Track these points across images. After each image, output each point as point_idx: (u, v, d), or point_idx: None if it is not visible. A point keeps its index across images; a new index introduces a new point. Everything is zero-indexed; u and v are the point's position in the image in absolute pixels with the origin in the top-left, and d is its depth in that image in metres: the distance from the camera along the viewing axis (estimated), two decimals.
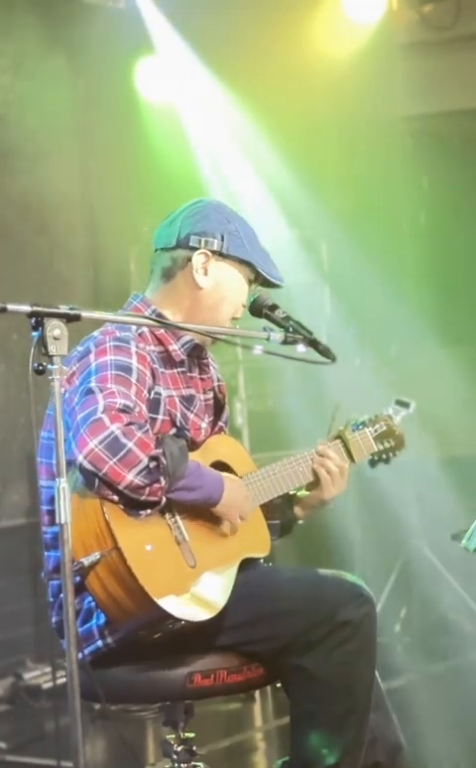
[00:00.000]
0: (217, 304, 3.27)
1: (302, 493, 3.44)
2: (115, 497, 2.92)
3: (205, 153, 6.55)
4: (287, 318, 3.27)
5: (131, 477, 2.89)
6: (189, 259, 3.26)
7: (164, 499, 2.97)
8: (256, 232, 3.34)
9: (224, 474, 3.18)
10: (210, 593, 3.06)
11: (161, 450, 2.92)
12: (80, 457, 2.89)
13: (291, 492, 3.41)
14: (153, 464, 2.91)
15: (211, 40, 6.34)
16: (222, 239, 3.25)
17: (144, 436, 2.92)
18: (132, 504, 2.95)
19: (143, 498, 2.93)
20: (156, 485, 2.92)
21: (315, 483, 3.41)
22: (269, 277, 3.30)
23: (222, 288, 3.27)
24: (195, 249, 3.25)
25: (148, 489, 2.92)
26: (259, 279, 3.31)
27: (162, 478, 2.93)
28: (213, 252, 3.25)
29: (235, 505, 3.13)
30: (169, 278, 3.29)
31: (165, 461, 2.92)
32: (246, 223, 3.33)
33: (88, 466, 2.89)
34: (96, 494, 2.92)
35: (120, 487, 2.89)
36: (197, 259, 3.25)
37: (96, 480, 2.90)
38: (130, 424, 2.92)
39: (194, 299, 3.27)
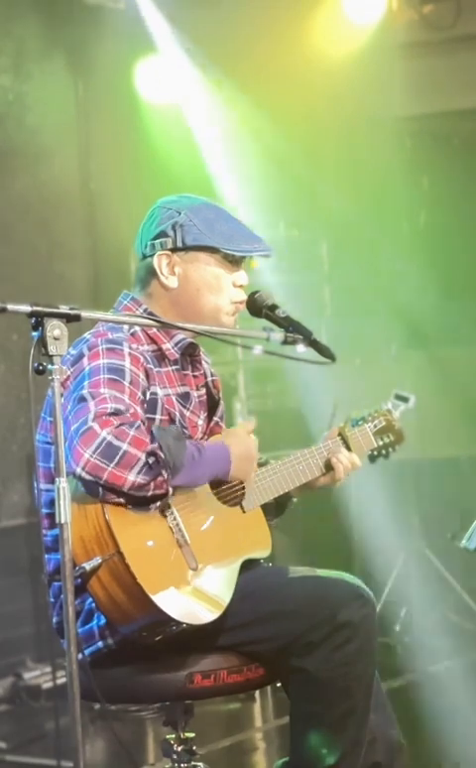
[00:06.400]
0: (194, 297, 3.26)
1: None
2: (121, 500, 2.92)
3: (205, 153, 6.55)
4: (287, 317, 3.26)
5: (132, 478, 2.89)
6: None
7: (171, 490, 2.97)
8: (223, 209, 3.30)
9: (227, 432, 3.23)
10: (212, 595, 3.06)
11: (157, 444, 2.92)
12: (78, 470, 2.88)
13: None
14: (152, 460, 2.90)
15: (211, 39, 6.34)
16: (175, 234, 3.23)
17: (137, 433, 2.91)
18: (139, 502, 2.94)
19: (149, 494, 2.93)
20: (159, 479, 2.92)
21: (322, 475, 3.43)
22: (235, 252, 3.24)
23: (193, 279, 3.25)
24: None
25: (152, 485, 2.91)
26: (237, 256, 3.27)
27: (163, 471, 2.92)
28: (172, 250, 3.24)
29: (246, 460, 3.15)
30: (145, 286, 3.29)
31: (162, 455, 2.91)
32: (203, 207, 3.28)
33: (88, 477, 2.88)
34: (101, 501, 2.92)
35: (124, 489, 2.89)
36: (158, 262, 3.24)
37: (99, 489, 2.90)
38: (121, 425, 2.91)
39: (172, 299, 3.27)
